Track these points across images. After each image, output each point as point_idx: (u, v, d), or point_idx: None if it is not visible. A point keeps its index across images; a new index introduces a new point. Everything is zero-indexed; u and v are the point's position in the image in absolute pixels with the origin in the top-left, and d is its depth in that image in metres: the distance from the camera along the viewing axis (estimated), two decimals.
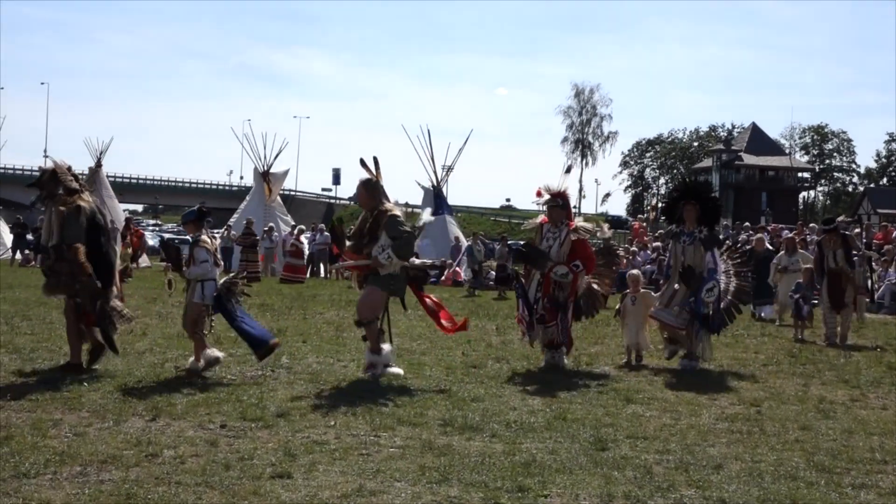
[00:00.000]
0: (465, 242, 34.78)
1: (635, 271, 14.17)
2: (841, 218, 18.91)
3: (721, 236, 16.17)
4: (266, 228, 32.85)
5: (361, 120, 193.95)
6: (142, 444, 7.16)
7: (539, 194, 12.37)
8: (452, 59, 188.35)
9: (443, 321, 11.27)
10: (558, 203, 12.17)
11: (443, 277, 30.97)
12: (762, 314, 19.86)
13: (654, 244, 30.76)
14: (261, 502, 5.87)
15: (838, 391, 10.83)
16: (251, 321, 10.76)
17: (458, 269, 32.13)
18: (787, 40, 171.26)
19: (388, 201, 10.94)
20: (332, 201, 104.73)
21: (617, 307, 13.14)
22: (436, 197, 37.13)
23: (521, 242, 12.90)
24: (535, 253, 12.15)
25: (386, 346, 10.74)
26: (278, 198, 38.55)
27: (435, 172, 37.81)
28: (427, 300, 11.26)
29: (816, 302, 16.87)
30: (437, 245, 33.03)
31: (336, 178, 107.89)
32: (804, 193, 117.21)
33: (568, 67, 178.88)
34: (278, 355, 11.34)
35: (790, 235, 21.64)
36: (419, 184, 38.42)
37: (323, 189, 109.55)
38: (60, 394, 8.94)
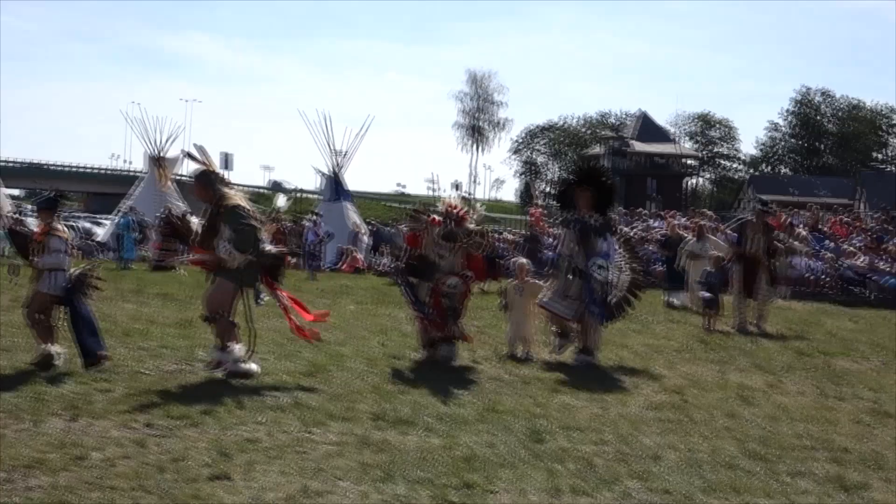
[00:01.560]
0: (364, 228, 34.60)
1: (522, 259, 13.46)
2: (771, 204, 18.61)
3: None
4: (163, 212, 32.09)
5: (253, 105, 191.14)
6: (66, 446, 6.84)
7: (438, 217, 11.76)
8: (344, 43, 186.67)
9: (299, 319, 10.61)
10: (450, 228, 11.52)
11: (343, 265, 30.75)
12: (674, 301, 19.86)
13: (555, 231, 30.94)
14: None
15: (755, 377, 10.99)
16: (92, 324, 10.10)
17: (358, 255, 31.89)
18: (674, 30, 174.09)
19: (230, 190, 10.29)
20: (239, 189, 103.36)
21: (501, 298, 12.49)
22: (335, 183, 36.84)
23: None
24: (422, 265, 11.65)
25: (237, 346, 9.89)
26: (171, 183, 37.77)
27: (334, 159, 37.45)
28: (279, 293, 10.47)
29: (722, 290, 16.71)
30: (337, 232, 32.73)
31: (227, 164, 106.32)
32: (690, 180, 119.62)
33: (461, 53, 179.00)
34: (192, 349, 11.07)
35: (701, 222, 21.82)
36: (317, 170, 38.10)
37: None
38: None
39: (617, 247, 12.44)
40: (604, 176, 12.92)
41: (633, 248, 13.12)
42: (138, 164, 77.22)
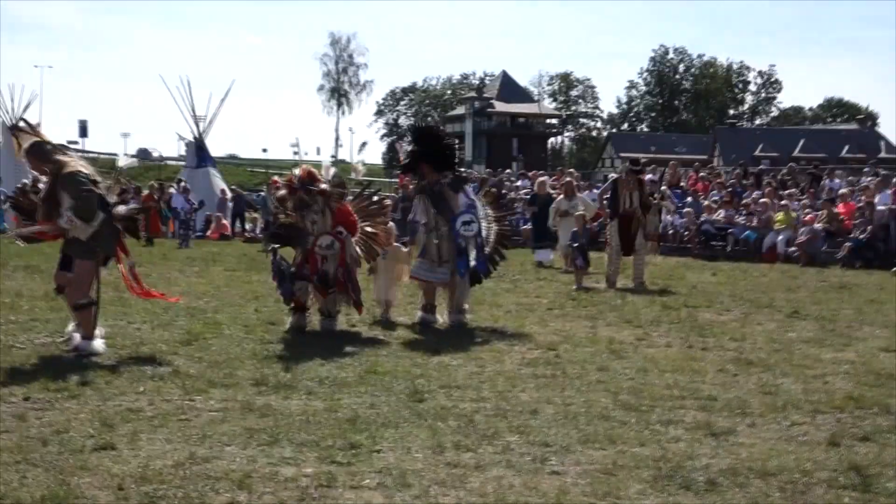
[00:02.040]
0: (229, 195, 34.22)
1: (390, 224, 13.00)
2: (644, 161, 18.89)
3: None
4: (19, 185, 31.18)
5: (108, 69, 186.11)
6: None
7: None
8: (202, 4, 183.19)
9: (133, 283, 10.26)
10: (308, 189, 11.11)
11: (210, 232, 30.45)
12: (541, 259, 20.25)
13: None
14: (91, 477, 5.63)
15: (624, 331, 11.34)
16: None
17: (225, 222, 31.55)
18: None
19: (67, 157, 9.75)
20: (80, 155, 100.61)
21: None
22: (198, 149, 36.29)
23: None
24: (288, 232, 11.42)
25: (99, 338, 9.58)
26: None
27: (196, 124, 36.82)
28: (125, 259, 10.11)
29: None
30: (205, 198, 32.32)
31: (83, 131, 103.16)
32: (552, 139, 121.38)
33: (321, 14, 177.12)
34: (64, 322, 10.88)
35: (568, 180, 22.19)
36: (180, 136, 37.47)
37: (69, 142, 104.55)
38: None
39: (481, 202, 12.49)
40: (437, 141, 12.46)
41: (499, 203, 13.16)
42: None
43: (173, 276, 16.90)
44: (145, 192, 31.16)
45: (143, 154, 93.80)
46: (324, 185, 11.16)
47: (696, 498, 5.54)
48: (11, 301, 12.52)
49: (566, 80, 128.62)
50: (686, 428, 7.04)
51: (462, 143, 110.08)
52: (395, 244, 12.48)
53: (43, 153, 9.65)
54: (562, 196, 20.28)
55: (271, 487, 5.54)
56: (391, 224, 13.00)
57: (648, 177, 20.32)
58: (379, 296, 12.31)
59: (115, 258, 9.99)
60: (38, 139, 9.78)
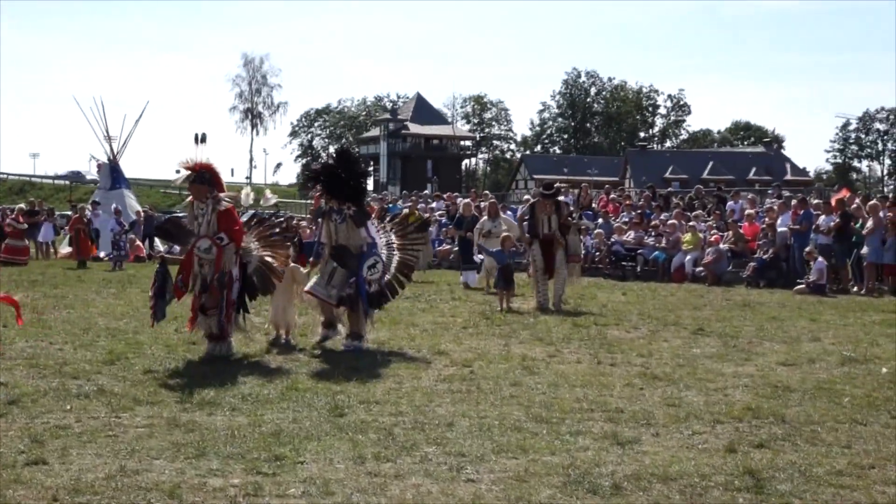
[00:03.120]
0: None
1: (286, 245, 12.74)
2: (557, 185, 18.69)
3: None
4: None
5: (17, 88, 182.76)
6: None
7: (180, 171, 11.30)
8: (110, 23, 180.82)
9: None
10: (202, 177, 11.00)
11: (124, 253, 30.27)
12: (467, 280, 20.40)
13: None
14: (26, 490, 5.85)
15: (536, 349, 11.75)
16: None
17: (139, 243, 31.38)
18: (445, 10, 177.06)
19: None
20: None
21: None
22: (112, 171, 36.10)
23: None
24: (174, 229, 11.44)
25: None
26: None
27: (110, 146, 36.58)
28: None
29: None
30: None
31: None
32: (466, 161, 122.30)
33: (234, 35, 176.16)
34: None
35: (492, 200, 22.55)
36: (93, 157, 37.21)
37: None
38: None
39: (383, 230, 12.56)
40: (350, 168, 12.11)
41: (406, 230, 12.74)
42: None
43: (90, 298, 16.94)
44: (74, 214, 30.82)
45: (75, 176, 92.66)
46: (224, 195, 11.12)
47: (603, 501, 5.94)
48: None
49: (480, 103, 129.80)
50: (594, 438, 7.44)
51: (376, 165, 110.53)
52: (293, 265, 12.37)
53: None
54: (486, 217, 20.45)
55: (201, 497, 5.81)
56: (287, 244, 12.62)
57: (565, 199, 20.73)
58: (276, 318, 12.17)
59: None
60: None
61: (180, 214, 31.45)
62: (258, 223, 12.00)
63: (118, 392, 8.67)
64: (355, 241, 11.78)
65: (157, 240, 31.68)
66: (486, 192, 34.24)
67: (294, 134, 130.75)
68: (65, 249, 31.01)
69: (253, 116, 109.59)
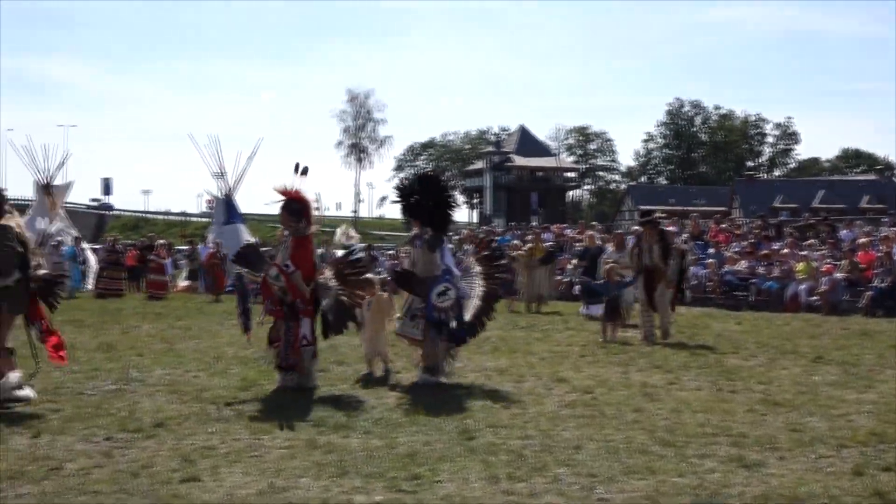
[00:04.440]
0: None
1: (369, 274, 12.59)
2: (657, 214, 17.87)
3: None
4: (54, 243, 31.83)
5: (129, 128, 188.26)
6: (39, 459, 7.35)
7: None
8: (214, 64, 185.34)
9: (52, 348, 10.01)
10: (289, 206, 11.01)
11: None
12: (592, 313, 19.62)
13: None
14: None
15: (655, 376, 11.87)
16: None
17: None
18: (538, 44, 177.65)
19: (11, 213, 9.75)
20: (104, 212, 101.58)
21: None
22: (227, 206, 37.06)
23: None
24: (253, 255, 11.38)
25: (13, 374, 9.53)
26: (62, 211, 37.49)
27: (225, 181, 37.57)
28: (39, 321, 9.95)
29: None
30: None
31: (107, 189, 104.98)
32: (571, 192, 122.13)
33: (336, 73, 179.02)
34: (124, 370, 11.58)
35: (619, 231, 22.67)
36: (208, 192, 38.27)
37: (92, 200, 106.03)
38: None
39: (469, 257, 12.35)
40: (439, 189, 11.87)
41: (493, 261, 12.06)
42: (15, 192, 74.94)
43: (214, 329, 17.52)
44: (210, 248, 31.29)
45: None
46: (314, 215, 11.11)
47: None
48: (69, 353, 13.08)
49: (583, 134, 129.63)
50: (720, 461, 7.58)
51: (481, 197, 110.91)
52: (379, 293, 12.23)
53: None
54: (612, 248, 20.30)
55: None
56: (370, 274, 12.60)
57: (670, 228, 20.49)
58: (369, 350, 11.97)
59: (32, 320, 9.92)
60: None
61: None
62: (337, 260, 11.78)
63: (256, 416, 9.08)
64: (430, 267, 11.37)
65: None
66: (594, 223, 34.31)
67: (399, 168, 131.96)
68: (183, 283, 31.75)
69: (359, 151, 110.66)
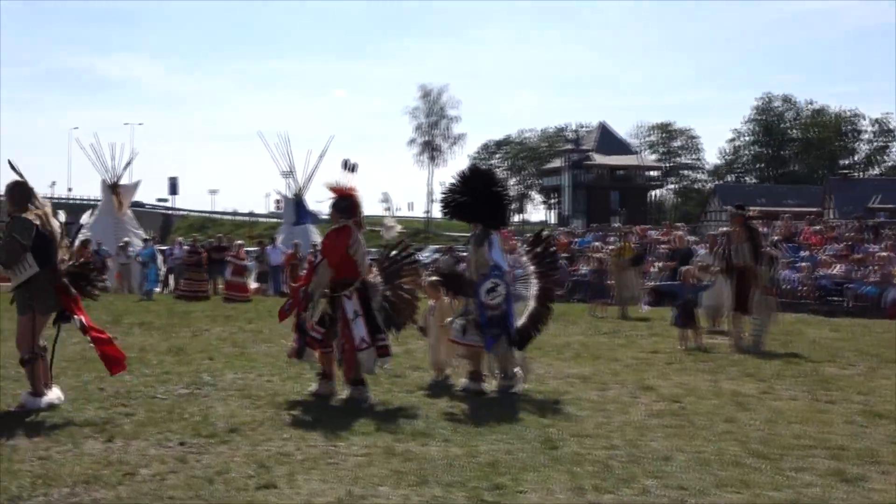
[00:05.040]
0: None
1: (431, 277, 12.37)
2: (751, 212, 17.10)
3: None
4: (121, 244, 31.99)
5: (195, 127, 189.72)
6: (113, 464, 7.22)
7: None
8: (284, 63, 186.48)
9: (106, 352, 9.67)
10: (337, 204, 10.58)
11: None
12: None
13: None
14: None
15: (747, 385, 11.42)
16: None
17: None
18: (621, 40, 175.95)
19: (36, 206, 9.45)
20: (170, 212, 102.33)
21: (421, 321, 11.91)
22: (297, 206, 36.96)
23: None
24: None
25: (51, 393, 9.46)
26: (129, 211, 37.63)
27: (295, 180, 37.45)
28: (77, 316, 9.58)
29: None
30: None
31: (173, 188, 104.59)
32: (653, 192, 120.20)
33: (406, 70, 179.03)
34: (196, 374, 11.50)
35: (711, 233, 22.16)
36: (278, 192, 38.27)
37: (158, 199, 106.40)
38: None
39: (524, 255, 11.85)
40: (468, 186, 11.28)
41: (546, 260, 11.73)
42: (80, 191, 74.97)
43: (285, 332, 17.19)
44: (282, 249, 31.23)
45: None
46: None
47: None
48: (139, 356, 13.06)
49: (667, 131, 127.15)
50: (818, 474, 7.20)
51: (559, 197, 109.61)
52: (442, 297, 11.85)
53: (14, 196, 9.43)
54: (706, 250, 19.64)
55: None
56: (433, 277, 12.35)
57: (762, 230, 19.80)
58: (435, 357, 11.75)
59: (67, 314, 9.60)
60: (20, 181, 9.56)
61: None
62: (383, 258, 11.18)
63: (332, 422, 8.86)
64: (480, 264, 10.90)
65: None
66: (680, 223, 33.63)
67: None
68: (253, 285, 30.76)
69: (432, 149, 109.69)
